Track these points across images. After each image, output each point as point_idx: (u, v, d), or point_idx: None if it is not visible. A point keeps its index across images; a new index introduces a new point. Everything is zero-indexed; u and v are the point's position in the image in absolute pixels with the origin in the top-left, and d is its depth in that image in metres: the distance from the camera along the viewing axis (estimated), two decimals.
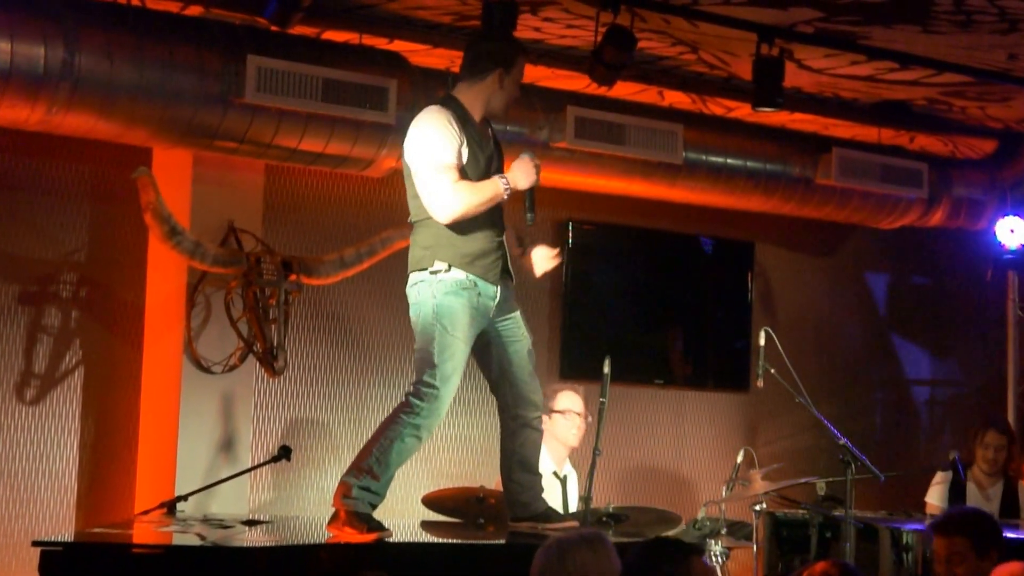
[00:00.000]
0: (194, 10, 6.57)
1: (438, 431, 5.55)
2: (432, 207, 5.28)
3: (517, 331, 5.53)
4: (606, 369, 6.01)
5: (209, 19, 6.50)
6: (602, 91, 7.20)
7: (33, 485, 6.80)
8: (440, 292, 5.29)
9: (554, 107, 7.28)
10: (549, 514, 5.59)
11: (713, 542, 6.46)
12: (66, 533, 6.67)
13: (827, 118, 8.34)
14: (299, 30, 6.59)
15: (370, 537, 5.13)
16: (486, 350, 5.51)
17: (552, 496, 6.00)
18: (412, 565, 5.12)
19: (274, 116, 6.44)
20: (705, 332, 8.90)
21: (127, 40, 6.08)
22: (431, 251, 5.32)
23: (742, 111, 7.95)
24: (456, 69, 5.63)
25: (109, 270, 7.01)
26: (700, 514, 6.64)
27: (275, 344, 6.65)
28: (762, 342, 6.56)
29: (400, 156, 5.48)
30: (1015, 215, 8.73)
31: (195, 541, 5.18)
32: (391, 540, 5.23)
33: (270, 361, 6.65)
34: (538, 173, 5.41)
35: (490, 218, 5.38)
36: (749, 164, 7.98)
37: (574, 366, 8.14)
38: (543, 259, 5.73)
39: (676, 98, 8.01)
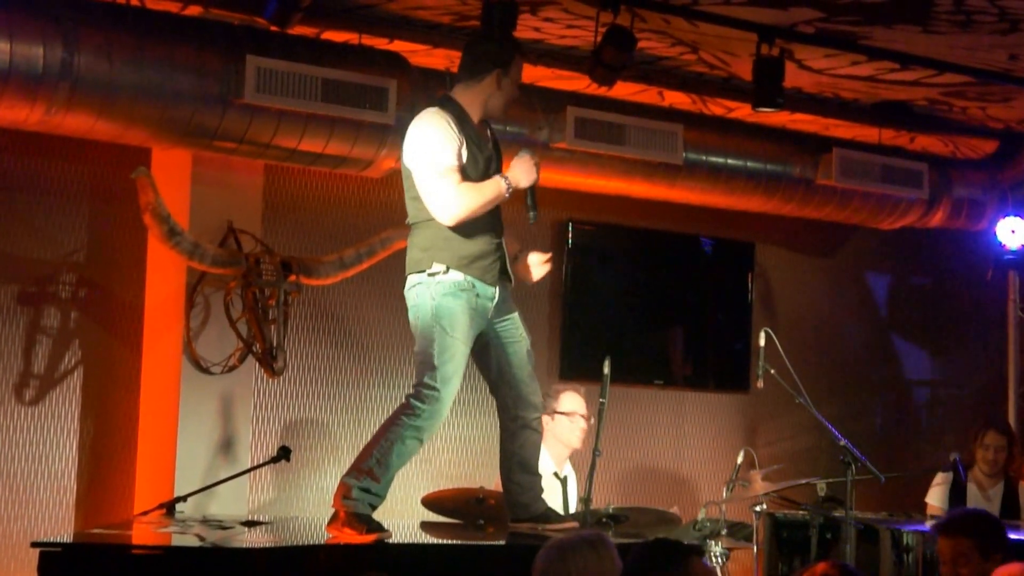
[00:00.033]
0: (193, 10, 6.57)
1: (438, 432, 5.54)
2: (436, 210, 5.27)
3: (515, 332, 5.52)
4: (606, 369, 6.01)
5: (208, 19, 6.49)
6: (602, 91, 7.19)
7: (32, 486, 6.79)
8: (439, 294, 5.28)
9: (554, 107, 7.27)
10: (549, 515, 5.58)
11: (713, 543, 6.45)
12: (65, 534, 6.66)
13: (827, 118, 8.34)
14: (299, 30, 6.59)
15: (370, 538, 5.12)
16: (485, 351, 5.50)
17: (552, 497, 5.99)
18: (412, 566, 5.11)
19: (273, 116, 6.43)
20: (705, 333, 8.89)
21: (126, 40, 6.08)
22: (429, 253, 5.31)
23: (742, 111, 7.94)
24: (456, 69, 5.62)
25: (108, 270, 7.01)
26: (700, 515, 6.63)
27: (274, 345, 6.64)
28: (762, 343, 6.56)
29: (400, 157, 5.47)
30: (1016, 215, 8.73)
31: (194, 542, 5.17)
32: (391, 541, 5.22)
33: (269, 362, 6.65)
34: (538, 170, 5.41)
35: (488, 220, 5.37)
36: (749, 164, 7.98)
37: (574, 366, 8.13)
38: (535, 265, 5.73)
39: (676, 98, 8.00)
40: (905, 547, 6.54)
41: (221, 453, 6.83)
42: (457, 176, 5.24)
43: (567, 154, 7.32)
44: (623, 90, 7.49)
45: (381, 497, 5.27)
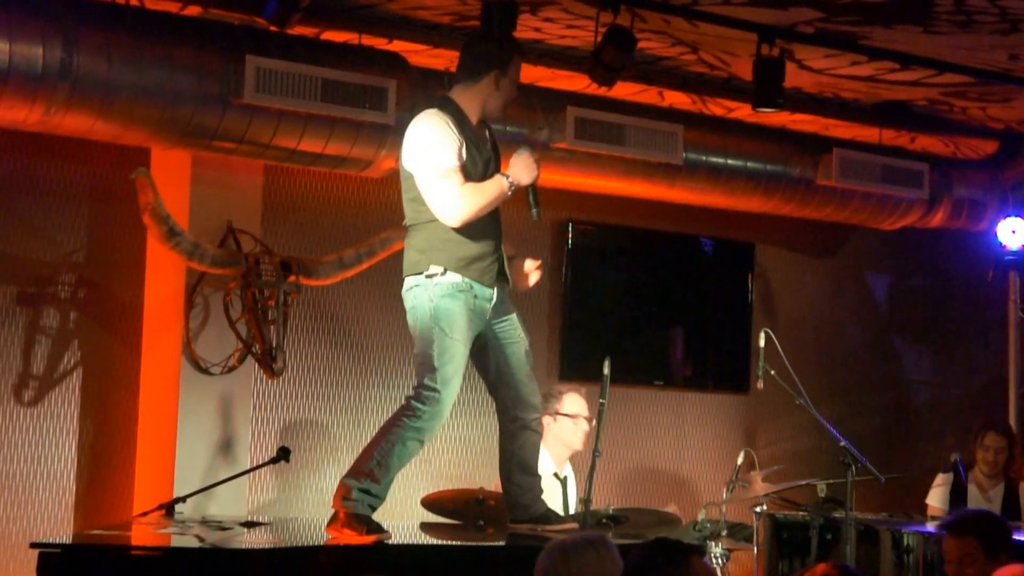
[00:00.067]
0: (193, 10, 6.56)
1: (438, 433, 5.53)
2: (440, 211, 5.26)
3: (514, 333, 5.52)
4: (606, 370, 6.00)
5: (208, 19, 6.48)
6: (602, 91, 7.18)
7: (31, 486, 6.78)
8: (436, 295, 5.28)
9: (554, 107, 7.27)
10: (549, 516, 5.58)
11: (713, 544, 6.44)
12: (64, 535, 6.65)
13: (827, 118, 8.33)
14: (298, 30, 6.58)
15: (369, 539, 5.12)
16: (483, 352, 5.49)
17: (552, 497, 5.99)
18: (411, 567, 5.11)
19: (273, 116, 6.42)
20: (705, 333, 8.88)
21: (126, 40, 6.07)
22: (427, 255, 5.31)
23: (742, 111, 7.93)
24: (455, 69, 5.62)
25: (108, 271, 7.00)
26: (700, 516, 6.63)
27: (274, 345, 6.64)
28: (762, 343, 6.56)
29: (399, 157, 5.46)
30: (1016, 216, 8.72)
31: (194, 543, 5.17)
32: (390, 542, 5.22)
33: (269, 362, 6.64)
34: (538, 167, 5.40)
35: (486, 221, 5.37)
36: (749, 165, 7.97)
37: (574, 367, 8.13)
38: (529, 271, 5.72)
39: (676, 98, 8.00)
40: (905, 548, 6.54)
41: (220, 454, 6.82)
42: (459, 177, 5.23)
43: (567, 154, 7.31)
44: (623, 90, 7.49)
45: (381, 498, 5.27)
